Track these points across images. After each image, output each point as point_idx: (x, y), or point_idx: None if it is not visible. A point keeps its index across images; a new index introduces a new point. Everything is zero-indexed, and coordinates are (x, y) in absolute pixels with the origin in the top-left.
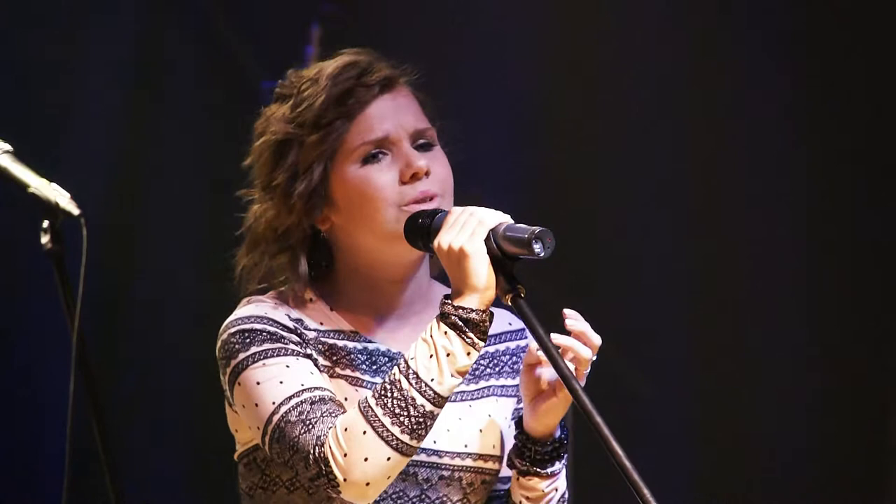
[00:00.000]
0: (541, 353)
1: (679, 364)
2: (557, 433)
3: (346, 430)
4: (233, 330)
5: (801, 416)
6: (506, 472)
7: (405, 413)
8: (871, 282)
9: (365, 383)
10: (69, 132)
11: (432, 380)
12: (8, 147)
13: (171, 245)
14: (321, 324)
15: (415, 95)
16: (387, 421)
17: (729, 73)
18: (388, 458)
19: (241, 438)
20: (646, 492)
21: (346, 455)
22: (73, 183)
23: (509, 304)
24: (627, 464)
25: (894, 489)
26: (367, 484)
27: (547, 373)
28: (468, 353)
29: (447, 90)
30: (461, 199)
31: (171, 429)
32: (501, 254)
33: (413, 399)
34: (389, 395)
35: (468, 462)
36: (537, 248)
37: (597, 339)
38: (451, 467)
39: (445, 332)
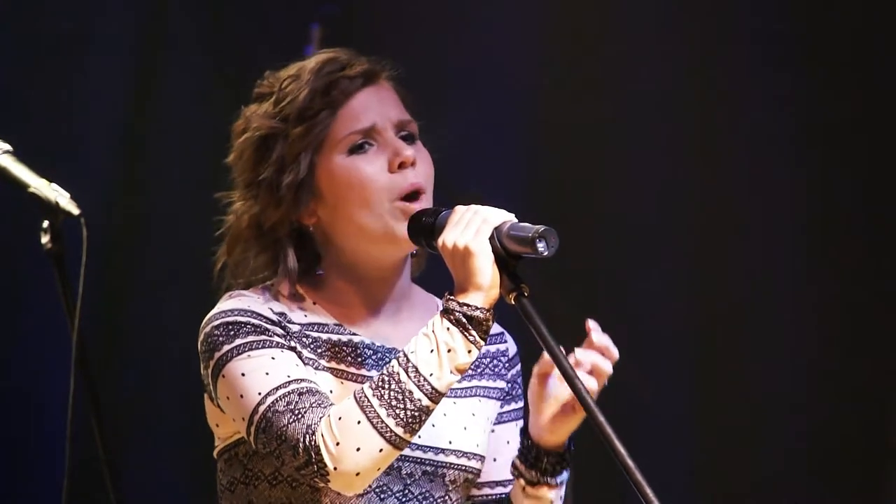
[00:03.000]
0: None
1: (679, 364)
2: (567, 443)
3: (340, 418)
4: (216, 322)
5: (800, 416)
6: (495, 475)
7: (401, 406)
8: (872, 283)
9: (350, 376)
10: (69, 132)
11: (431, 374)
12: (8, 147)
13: (171, 245)
14: (305, 317)
15: (396, 90)
16: (382, 412)
17: (730, 72)
18: (381, 450)
19: (221, 433)
20: (648, 491)
21: (338, 444)
22: (73, 183)
23: (513, 302)
24: (630, 463)
25: (894, 490)
26: (358, 474)
27: (561, 386)
28: (469, 351)
29: (447, 90)
30: (461, 198)
31: (171, 429)
32: (505, 252)
33: (410, 392)
34: (387, 386)
35: (452, 459)
36: (541, 246)
37: (616, 353)
38: (435, 463)
39: (448, 328)
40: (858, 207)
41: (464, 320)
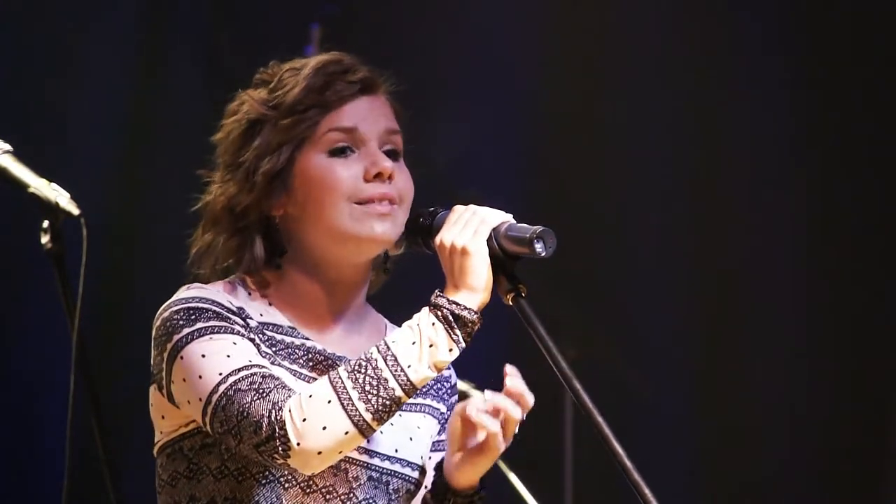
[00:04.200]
0: (513, 383)
1: (679, 364)
2: (478, 486)
3: (310, 396)
4: (176, 308)
5: (800, 416)
6: None
7: (374, 392)
8: (872, 283)
9: (303, 376)
10: (69, 132)
11: (409, 366)
12: (8, 147)
13: (171, 245)
14: (261, 315)
15: (392, 105)
16: (354, 395)
17: (730, 73)
18: (346, 433)
19: (166, 427)
20: (646, 491)
21: (304, 420)
22: (73, 183)
23: (510, 303)
24: (628, 464)
25: (893, 491)
26: (319, 453)
27: (479, 434)
28: (450, 350)
29: (447, 90)
30: (460, 198)
31: None
32: (503, 253)
33: (385, 380)
34: (363, 371)
35: (397, 467)
36: (539, 247)
37: (531, 400)
38: (381, 469)
39: (433, 323)
40: (858, 207)
41: (450, 318)
